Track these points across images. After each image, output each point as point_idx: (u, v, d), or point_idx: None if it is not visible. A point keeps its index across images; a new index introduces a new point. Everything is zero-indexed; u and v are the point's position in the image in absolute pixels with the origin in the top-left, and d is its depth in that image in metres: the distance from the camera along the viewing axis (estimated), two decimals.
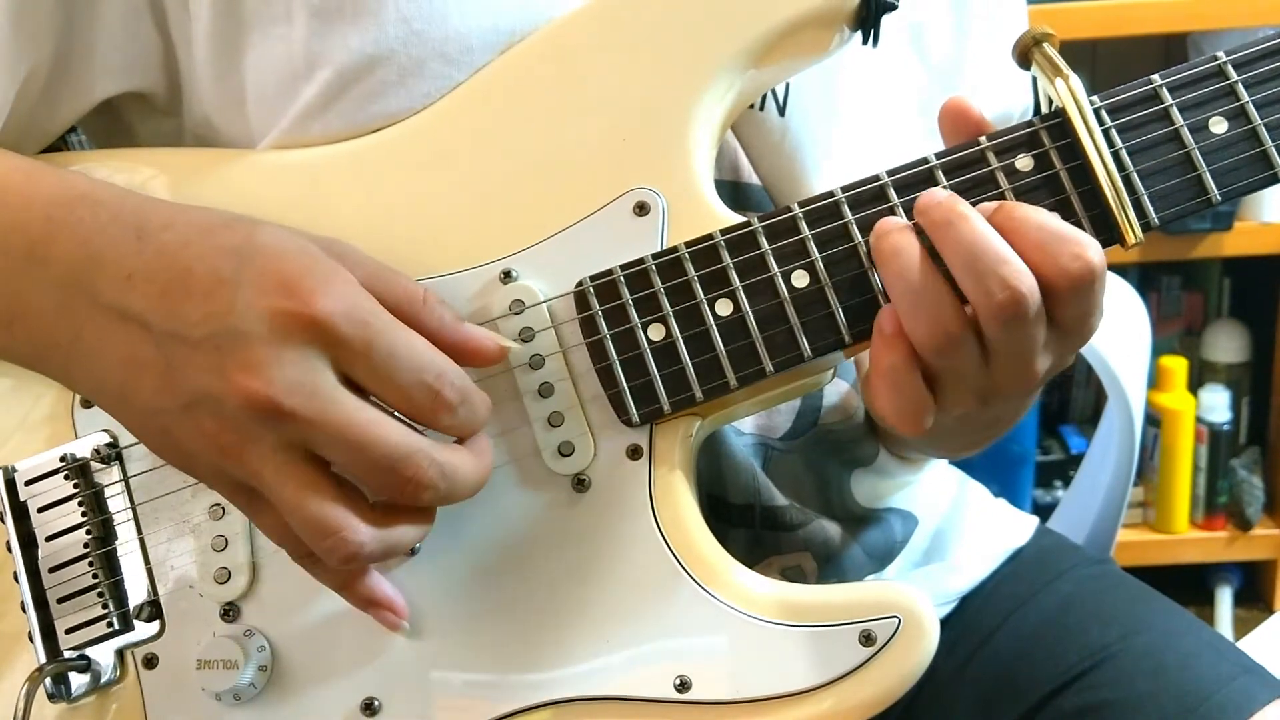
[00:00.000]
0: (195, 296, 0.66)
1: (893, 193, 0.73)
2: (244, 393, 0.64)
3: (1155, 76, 0.72)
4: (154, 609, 0.78)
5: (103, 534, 0.79)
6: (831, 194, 0.73)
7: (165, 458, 0.71)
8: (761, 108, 0.85)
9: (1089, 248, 0.68)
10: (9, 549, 0.79)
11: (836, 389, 0.92)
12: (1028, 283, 0.68)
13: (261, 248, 0.67)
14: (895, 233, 0.70)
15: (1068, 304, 0.69)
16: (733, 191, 0.86)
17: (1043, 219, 0.69)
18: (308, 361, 0.65)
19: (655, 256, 0.74)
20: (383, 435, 0.65)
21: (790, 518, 0.89)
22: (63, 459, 0.79)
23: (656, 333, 0.74)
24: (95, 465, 0.79)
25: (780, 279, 0.73)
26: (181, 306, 0.66)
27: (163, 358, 0.67)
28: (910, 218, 0.72)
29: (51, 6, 0.78)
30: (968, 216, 0.69)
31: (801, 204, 0.74)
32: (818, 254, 0.73)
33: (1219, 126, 0.71)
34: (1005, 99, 0.95)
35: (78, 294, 0.69)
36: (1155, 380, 2.36)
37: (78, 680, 0.78)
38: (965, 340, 0.69)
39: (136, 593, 0.78)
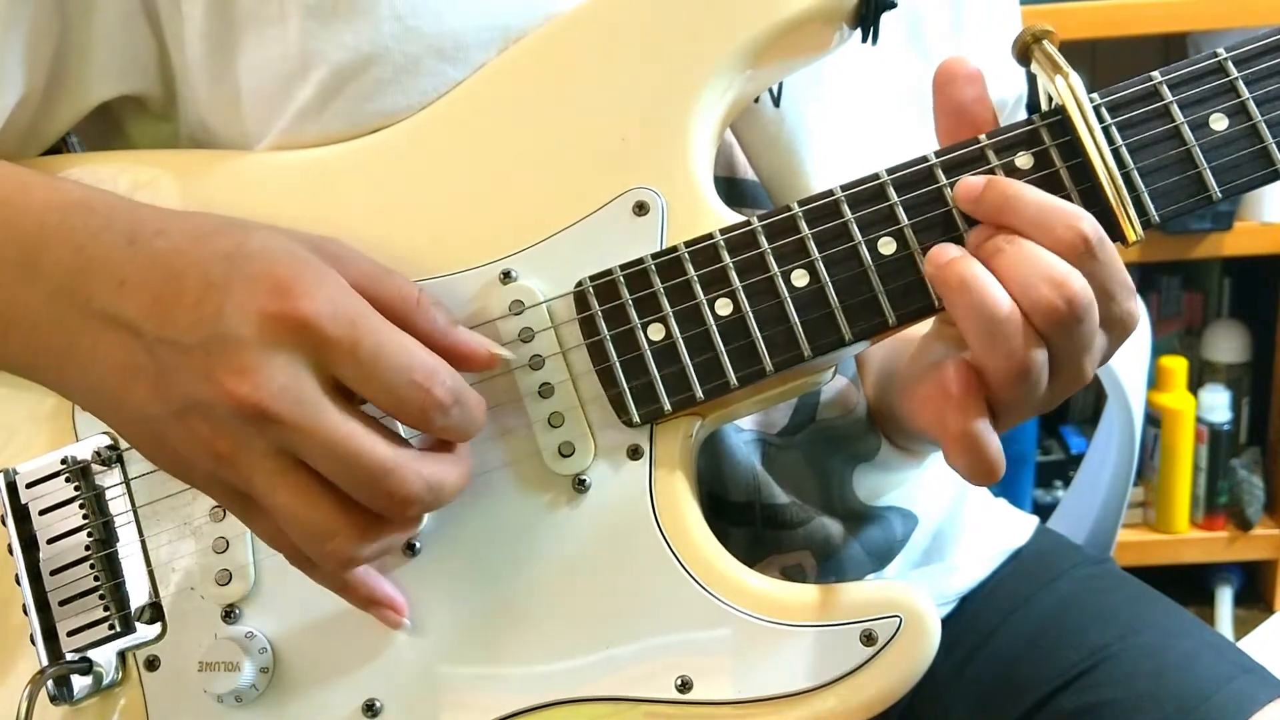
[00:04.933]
0: (186, 302, 0.66)
1: (892, 191, 0.73)
2: (233, 397, 0.64)
3: (1155, 73, 0.72)
4: (155, 611, 0.78)
5: (104, 536, 0.79)
6: (831, 193, 0.73)
7: (160, 465, 0.71)
8: (756, 100, 0.85)
9: (1083, 219, 0.69)
10: (10, 552, 0.79)
11: (834, 384, 0.92)
12: (1080, 281, 0.68)
13: (252, 253, 0.67)
14: (959, 262, 0.69)
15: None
16: (727, 188, 0.86)
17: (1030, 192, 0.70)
18: (295, 366, 0.65)
19: (655, 256, 0.74)
20: (368, 447, 0.65)
21: (791, 515, 0.89)
22: (64, 461, 0.79)
23: (656, 333, 0.74)
24: (96, 467, 0.79)
25: (780, 278, 0.73)
26: (173, 313, 0.66)
27: (155, 364, 0.67)
28: (910, 217, 0.72)
29: (49, 10, 0.78)
30: (1021, 186, 0.70)
31: (801, 203, 0.74)
32: (817, 253, 0.73)
33: (1219, 123, 0.71)
34: (1000, 89, 0.95)
35: (71, 301, 0.69)
36: (1155, 380, 2.36)
37: (80, 683, 0.78)
38: (1045, 362, 0.69)
39: (138, 595, 0.78)
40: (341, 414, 0.65)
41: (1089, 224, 0.69)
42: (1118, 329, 0.72)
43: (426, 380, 0.66)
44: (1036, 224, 0.69)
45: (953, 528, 1.06)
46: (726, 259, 0.74)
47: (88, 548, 0.78)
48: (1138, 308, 0.72)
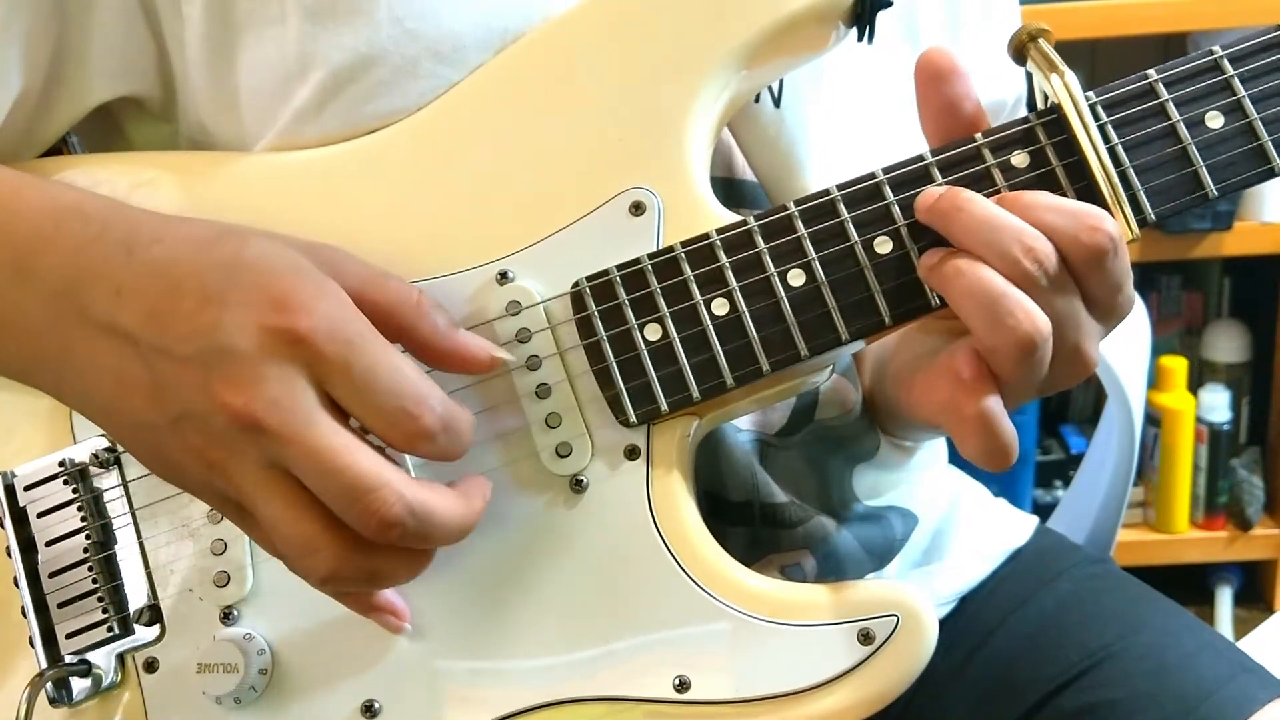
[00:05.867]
0: (182, 313, 0.66)
1: (888, 190, 0.73)
2: (228, 409, 0.64)
3: (1151, 71, 0.72)
4: (154, 613, 0.78)
5: (102, 538, 0.79)
6: (827, 192, 0.73)
7: (155, 471, 0.71)
8: (756, 100, 0.85)
9: (1104, 219, 0.69)
10: (9, 554, 0.79)
11: (832, 384, 0.92)
12: (1044, 242, 0.68)
13: (250, 263, 0.66)
14: (945, 256, 0.71)
15: (1093, 276, 0.70)
16: (726, 188, 0.86)
17: (1050, 199, 0.70)
18: (290, 379, 0.64)
19: (651, 256, 0.74)
20: (351, 462, 0.64)
21: (790, 515, 0.89)
22: (61, 464, 0.79)
23: (653, 333, 0.74)
24: (94, 470, 0.79)
25: (776, 278, 0.73)
26: (169, 323, 0.66)
27: (150, 374, 0.67)
28: (905, 217, 0.72)
29: (47, 10, 0.78)
30: (973, 198, 0.70)
31: (797, 202, 0.74)
32: (814, 253, 0.73)
33: (1215, 121, 0.71)
34: (999, 88, 0.95)
35: (67, 308, 0.69)
36: (1155, 380, 2.36)
37: (79, 685, 0.78)
38: (1048, 333, 0.69)
39: (136, 597, 0.78)
40: (332, 428, 0.65)
41: (1111, 223, 0.69)
42: (1118, 315, 0.73)
43: (416, 408, 0.66)
44: (1058, 231, 0.70)
45: (952, 528, 1.06)
46: (723, 259, 0.74)
47: (86, 550, 0.78)
48: (1134, 295, 0.73)
